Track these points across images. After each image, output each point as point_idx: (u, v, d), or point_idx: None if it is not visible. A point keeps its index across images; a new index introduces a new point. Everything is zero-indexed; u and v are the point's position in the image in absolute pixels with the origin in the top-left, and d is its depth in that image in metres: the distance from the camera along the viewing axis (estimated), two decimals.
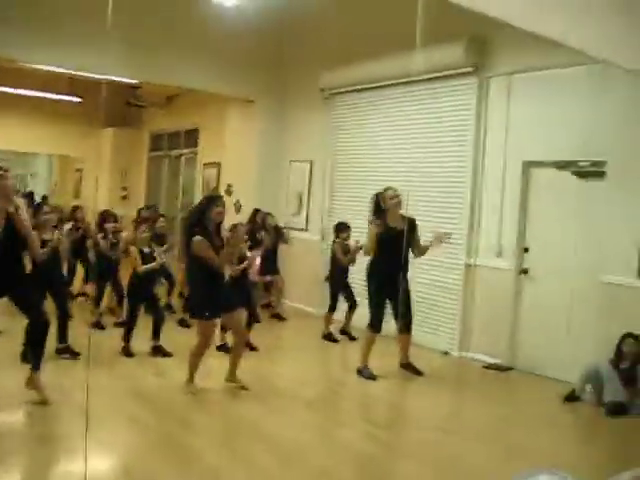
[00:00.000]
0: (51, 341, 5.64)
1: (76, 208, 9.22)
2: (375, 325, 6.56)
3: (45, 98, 13.94)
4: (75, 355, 6.36)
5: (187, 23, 9.17)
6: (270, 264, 8.94)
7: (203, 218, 5.50)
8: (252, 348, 7.11)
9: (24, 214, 4.97)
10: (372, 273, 6.62)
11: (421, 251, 6.68)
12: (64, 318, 6.44)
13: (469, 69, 7.71)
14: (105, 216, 8.48)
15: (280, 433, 4.86)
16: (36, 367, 5.06)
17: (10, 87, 13.05)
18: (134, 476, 3.95)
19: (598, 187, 6.64)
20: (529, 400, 6.38)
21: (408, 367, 6.79)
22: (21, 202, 5.03)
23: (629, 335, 6.10)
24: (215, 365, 6.17)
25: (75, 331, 6.59)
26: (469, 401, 6.39)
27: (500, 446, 4.91)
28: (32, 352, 5.16)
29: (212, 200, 5.65)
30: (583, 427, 5.90)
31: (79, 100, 14.00)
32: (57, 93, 13.77)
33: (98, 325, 7.77)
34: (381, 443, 4.89)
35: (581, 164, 6.80)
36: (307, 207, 10.20)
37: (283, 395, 5.87)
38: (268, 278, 8.99)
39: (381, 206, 6.56)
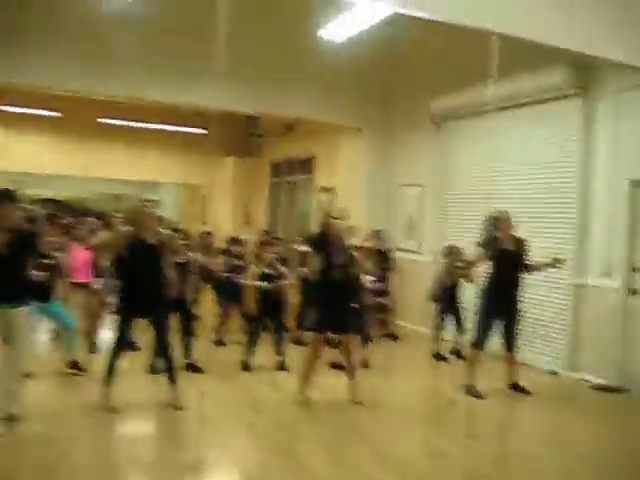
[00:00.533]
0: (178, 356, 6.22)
1: (206, 234, 9.78)
2: (479, 343, 6.77)
3: (175, 131, 14.98)
4: (197, 370, 6.91)
5: (300, 57, 9.73)
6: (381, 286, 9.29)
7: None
8: (365, 366, 7.47)
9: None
10: (486, 292, 6.84)
11: (531, 270, 6.87)
12: (189, 337, 7.01)
13: (574, 91, 7.83)
14: (232, 241, 9.14)
15: (389, 445, 5.17)
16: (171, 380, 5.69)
17: (143, 122, 14.17)
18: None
19: None
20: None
21: (516, 387, 6.95)
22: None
23: None
24: (330, 382, 6.57)
25: (199, 348, 7.18)
26: (575, 418, 6.44)
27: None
28: (167, 367, 5.77)
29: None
30: None
31: (204, 132, 14.93)
32: (185, 126, 14.77)
33: (220, 342, 8.34)
34: (488, 459, 5.12)
35: None
36: (419, 230, 10.49)
37: (393, 409, 6.18)
38: (381, 300, 9.33)
39: (493, 229, 6.81)
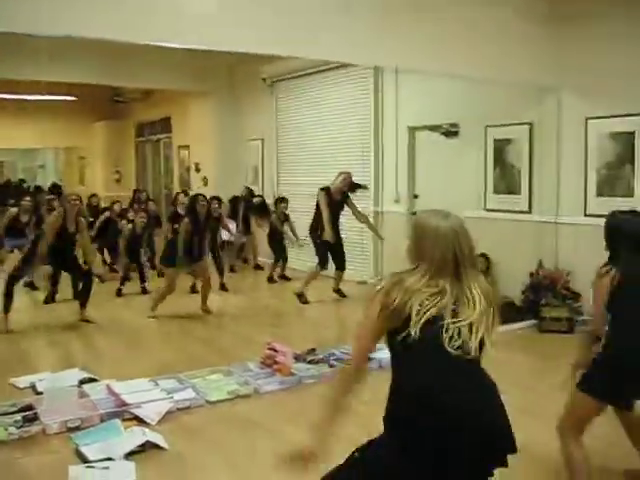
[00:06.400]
0: None
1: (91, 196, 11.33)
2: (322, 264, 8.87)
3: (46, 100, 16.13)
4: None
5: None
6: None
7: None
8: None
9: None
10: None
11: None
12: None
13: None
14: None
15: (217, 339, 7.14)
16: None
17: (17, 94, 15.25)
18: None
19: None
20: None
21: (339, 292, 9.07)
22: None
23: (479, 255, 8.24)
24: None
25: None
26: None
27: None
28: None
29: None
30: None
31: (74, 99, 16.15)
32: (55, 94, 15.90)
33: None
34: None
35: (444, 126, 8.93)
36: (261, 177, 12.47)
37: (234, 315, 8.18)
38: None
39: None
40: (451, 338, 2.19)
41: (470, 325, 2.24)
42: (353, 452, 2.36)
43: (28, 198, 10.50)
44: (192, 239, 7.99)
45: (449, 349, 2.18)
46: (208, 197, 8.62)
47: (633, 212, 3.64)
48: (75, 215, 7.67)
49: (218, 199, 9.53)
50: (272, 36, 5.58)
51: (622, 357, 3.20)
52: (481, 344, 2.26)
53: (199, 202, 8.18)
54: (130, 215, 10.76)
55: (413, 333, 2.18)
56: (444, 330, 2.20)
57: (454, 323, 2.21)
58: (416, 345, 2.18)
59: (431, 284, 2.26)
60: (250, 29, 5.44)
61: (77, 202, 7.77)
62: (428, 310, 2.21)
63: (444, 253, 2.30)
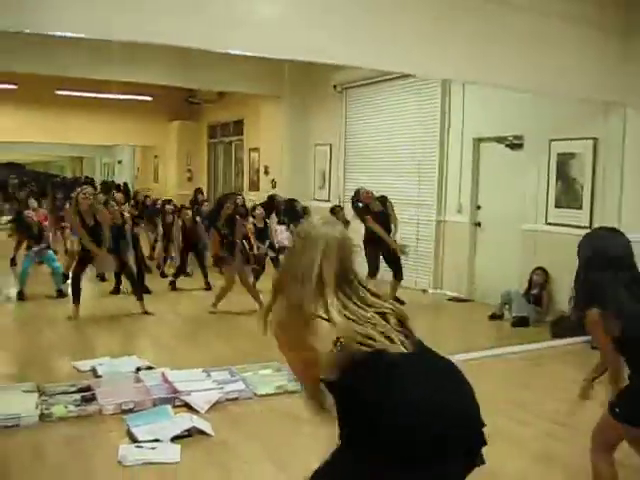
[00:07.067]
0: None
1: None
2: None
3: (124, 99, 16.69)
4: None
5: None
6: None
7: None
8: None
9: None
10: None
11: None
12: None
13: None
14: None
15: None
16: None
17: (96, 92, 15.84)
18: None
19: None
20: (467, 319, 8.65)
21: (398, 300, 9.05)
22: None
23: (538, 268, 8.24)
24: None
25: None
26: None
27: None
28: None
29: None
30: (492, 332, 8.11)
31: (150, 99, 16.68)
32: (132, 94, 16.46)
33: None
34: None
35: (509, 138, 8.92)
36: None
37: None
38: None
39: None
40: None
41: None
42: None
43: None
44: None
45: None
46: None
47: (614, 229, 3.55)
48: (90, 210, 7.89)
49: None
50: (340, 47, 5.74)
51: None
52: None
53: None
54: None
55: None
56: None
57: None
58: None
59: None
60: (320, 39, 5.61)
61: (89, 198, 7.97)
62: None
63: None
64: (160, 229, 11.45)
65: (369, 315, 2.22)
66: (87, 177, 26.58)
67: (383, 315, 2.26)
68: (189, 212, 10.72)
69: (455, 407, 2.16)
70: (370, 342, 2.14)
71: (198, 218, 10.53)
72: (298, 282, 2.23)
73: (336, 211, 10.45)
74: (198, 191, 13.80)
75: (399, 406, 2.08)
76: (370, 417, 2.10)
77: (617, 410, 3.14)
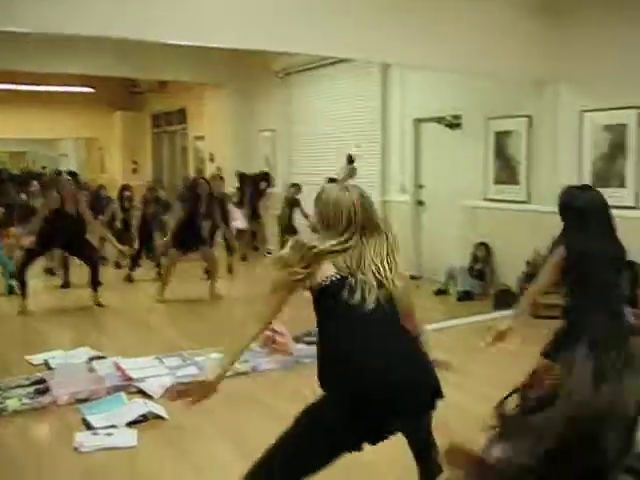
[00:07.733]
0: None
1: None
2: None
3: (65, 91, 16.50)
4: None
5: None
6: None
7: None
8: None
9: None
10: None
11: None
12: None
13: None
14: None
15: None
16: None
17: (34, 85, 15.60)
18: None
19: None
20: (414, 294, 8.81)
21: None
22: None
23: (480, 243, 8.51)
24: None
25: None
26: None
27: None
28: None
29: None
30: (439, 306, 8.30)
31: (92, 90, 16.50)
32: (73, 86, 16.26)
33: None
34: None
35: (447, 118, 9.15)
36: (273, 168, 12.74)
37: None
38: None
39: None
40: (353, 292, 2.50)
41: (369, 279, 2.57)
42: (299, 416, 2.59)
43: (35, 182, 11.06)
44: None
45: (353, 303, 2.49)
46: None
47: (585, 187, 4.02)
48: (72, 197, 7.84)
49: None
50: (278, 34, 5.85)
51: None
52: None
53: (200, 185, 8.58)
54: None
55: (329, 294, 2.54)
56: (349, 287, 2.51)
57: (358, 279, 2.54)
58: (331, 306, 2.53)
59: (336, 247, 2.58)
60: (257, 27, 5.71)
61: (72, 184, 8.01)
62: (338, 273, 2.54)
63: (345, 219, 2.64)
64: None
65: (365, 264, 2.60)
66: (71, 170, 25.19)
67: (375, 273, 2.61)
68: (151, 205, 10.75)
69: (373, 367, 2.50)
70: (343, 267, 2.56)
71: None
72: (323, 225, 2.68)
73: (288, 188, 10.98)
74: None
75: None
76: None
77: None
